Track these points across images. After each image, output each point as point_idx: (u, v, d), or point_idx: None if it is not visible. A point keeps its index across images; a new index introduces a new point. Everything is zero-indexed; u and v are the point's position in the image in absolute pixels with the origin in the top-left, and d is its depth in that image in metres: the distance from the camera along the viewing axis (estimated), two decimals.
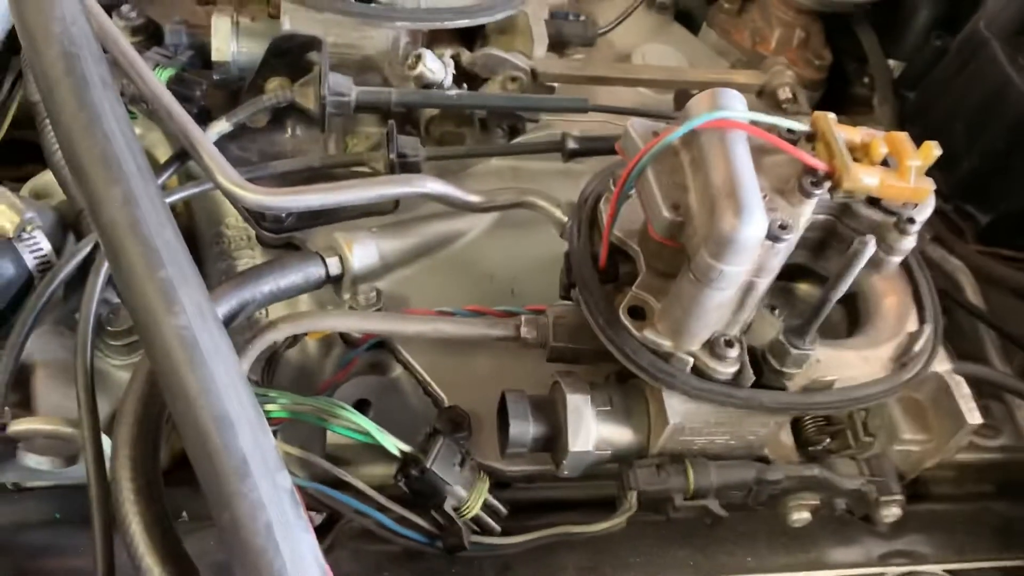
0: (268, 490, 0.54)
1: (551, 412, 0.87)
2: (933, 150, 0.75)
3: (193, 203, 1.12)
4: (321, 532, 0.90)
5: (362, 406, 0.96)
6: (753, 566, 0.95)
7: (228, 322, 0.90)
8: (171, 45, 1.16)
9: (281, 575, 0.52)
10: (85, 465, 0.79)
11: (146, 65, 0.95)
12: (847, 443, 0.94)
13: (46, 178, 1.06)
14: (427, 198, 1.03)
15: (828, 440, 0.94)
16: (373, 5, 1.16)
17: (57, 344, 0.96)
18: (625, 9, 1.48)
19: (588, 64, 1.38)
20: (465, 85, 1.23)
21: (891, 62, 1.45)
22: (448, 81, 1.19)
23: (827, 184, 0.74)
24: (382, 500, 0.85)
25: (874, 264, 0.77)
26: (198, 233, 1.11)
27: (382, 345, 1.01)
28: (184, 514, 0.90)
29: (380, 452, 0.84)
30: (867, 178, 0.74)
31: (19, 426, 0.85)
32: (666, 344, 0.79)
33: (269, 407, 0.83)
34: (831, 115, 0.77)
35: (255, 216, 1.07)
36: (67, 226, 1.01)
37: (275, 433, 0.87)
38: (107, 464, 0.77)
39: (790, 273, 0.84)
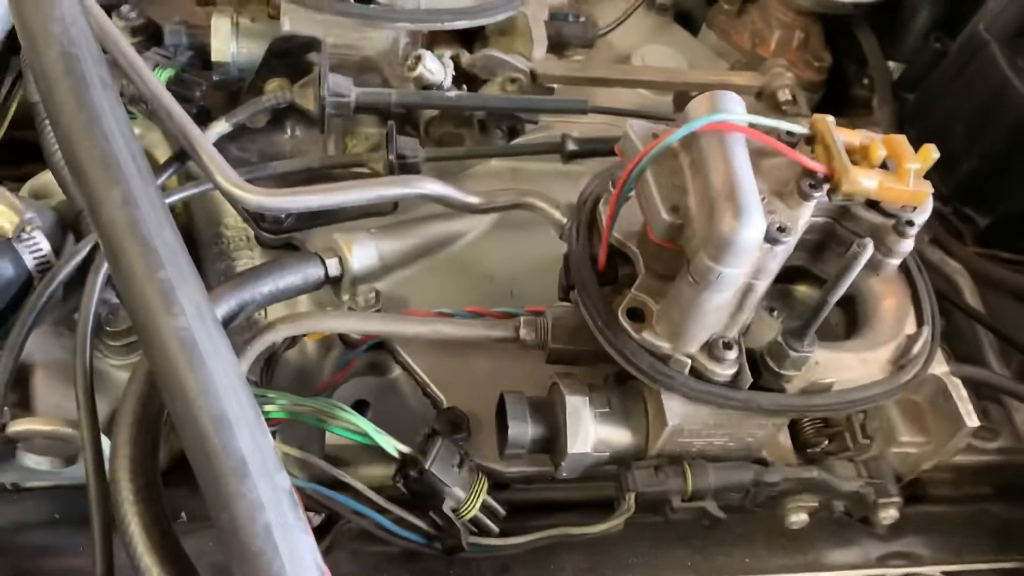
0: (267, 491, 0.54)
1: (550, 413, 0.87)
2: (932, 153, 0.75)
3: (192, 204, 1.12)
4: (320, 533, 0.90)
5: (361, 407, 0.96)
6: (751, 567, 0.95)
7: (227, 323, 0.90)
8: (171, 45, 1.16)
9: None
10: (84, 465, 0.79)
11: (146, 65, 0.95)
12: (845, 445, 0.94)
13: (46, 178, 1.05)
14: (426, 199, 1.03)
15: (826, 442, 0.94)
16: (373, 6, 1.16)
17: (56, 344, 0.96)
18: (625, 10, 1.48)
19: (587, 65, 1.38)
20: (465, 86, 1.23)
21: (891, 64, 1.45)
22: (448, 82, 1.19)
23: (826, 187, 0.74)
24: (381, 501, 0.85)
25: (872, 266, 0.77)
26: (197, 234, 1.11)
27: (381, 346, 1.01)
28: (183, 514, 0.90)
29: (379, 453, 0.84)
30: (866, 181, 0.74)
31: (18, 426, 0.85)
32: (665, 346, 0.79)
33: (268, 408, 0.83)
34: (830, 118, 0.77)
35: (254, 217, 1.07)
36: (67, 226, 1.00)
37: (274, 434, 0.87)
38: (106, 464, 0.77)
39: (789, 275, 0.84)
